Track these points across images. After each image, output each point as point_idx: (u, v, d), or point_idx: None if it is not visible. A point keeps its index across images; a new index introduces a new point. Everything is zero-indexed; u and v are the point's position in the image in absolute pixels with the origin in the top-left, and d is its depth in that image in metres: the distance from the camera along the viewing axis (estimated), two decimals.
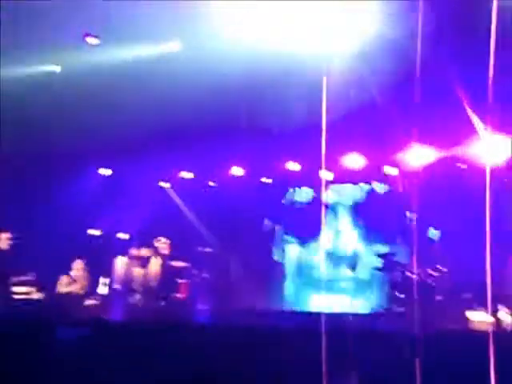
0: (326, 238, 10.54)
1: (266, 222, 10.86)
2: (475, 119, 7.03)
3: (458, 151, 8.60)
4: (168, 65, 7.82)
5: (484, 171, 7.44)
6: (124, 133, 8.52)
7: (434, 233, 9.15)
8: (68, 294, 8.55)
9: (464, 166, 8.95)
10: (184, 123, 8.39)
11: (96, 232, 10.71)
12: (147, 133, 8.70)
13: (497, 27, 3.56)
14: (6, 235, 8.30)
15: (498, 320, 6.93)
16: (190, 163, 10.88)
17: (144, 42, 7.71)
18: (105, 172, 11.10)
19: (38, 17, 6.73)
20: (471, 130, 7.31)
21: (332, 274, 10.31)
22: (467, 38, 6.64)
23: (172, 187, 11.35)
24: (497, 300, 7.01)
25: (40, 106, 8.03)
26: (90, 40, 7.55)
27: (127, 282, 9.17)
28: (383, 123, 8.15)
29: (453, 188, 8.85)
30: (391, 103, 7.72)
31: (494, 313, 6.94)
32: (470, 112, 6.92)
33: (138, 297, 9.04)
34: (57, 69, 8.20)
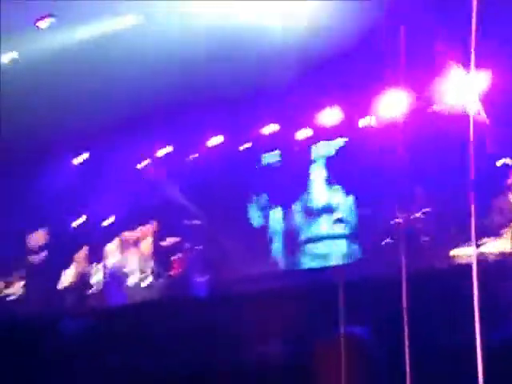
0: (309, 196, 10.61)
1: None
2: (450, 58, 7.00)
3: (434, 92, 8.61)
4: (129, 39, 7.66)
5: (461, 109, 7.51)
6: (94, 115, 8.39)
7: (415, 176, 9.26)
8: (69, 285, 8.60)
9: (441, 107, 8.97)
10: (154, 99, 8.27)
11: (82, 219, 10.66)
12: (118, 113, 8.57)
13: None
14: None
15: (485, 253, 7.10)
16: (166, 139, 10.79)
17: (103, 18, 7.52)
18: (82, 158, 10.97)
19: None
20: (445, 70, 7.29)
21: (318, 229, 10.42)
22: None
23: (152, 164, 11.28)
24: (483, 233, 7.16)
25: (4, 96, 7.83)
26: (45, 22, 7.32)
27: (122, 265, 9.21)
28: (356, 73, 8.10)
29: (431, 129, 8.90)
30: (363, 50, 7.66)
31: (481, 246, 7.10)
32: (443, 51, 6.88)
33: (134, 278, 9.10)
34: (12, 57, 7.98)
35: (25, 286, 8.37)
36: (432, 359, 3.48)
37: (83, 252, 9.06)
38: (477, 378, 2.21)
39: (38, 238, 8.34)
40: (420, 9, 6.93)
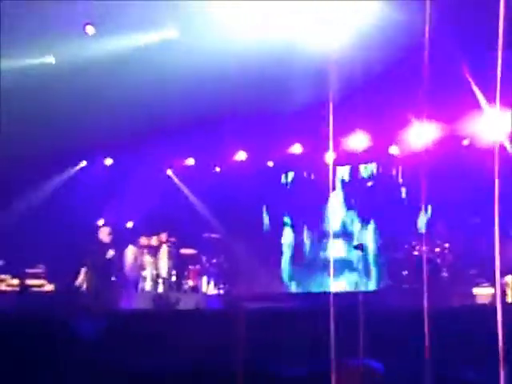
0: (330, 220, 10.56)
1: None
2: (479, 95, 6.97)
3: (462, 127, 8.57)
4: (166, 51, 7.80)
5: (485, 146, 7.44)
6: (125, 122, 8.52)
7: (435, 210, 9.15)
8: (82, 286, 8.65)
9: (467, 142, 8.94)
10: (186, 109, 8.38)
11: (103, 222, 10.77)
12: (149, 121, 8.70)
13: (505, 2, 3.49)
14: None
15: (505, 294, 6.95)
16: (193, 150, 10.89)
17: (141, 30, 7.68)
18: (109, 162, 11.12)
19: (32, 7, 6.71)
20: (475, 106, 7.27)
21: (336, 254, 10.35)
22: (472, 12, 6.58)
23: (176, 174, 11.39)
24: (502, 274, 7.02)
25: (39, 98, 8.02)
26: (89, 29, 7.51)
27: (138, 270, 9.25)
28: (387, 102, 8.12)
29: (455, 164, 8.85)
30: (394, 81, 7.67)
31: (501, 287, 6.96)
32: (473, 88, 6.87)
33: (149, 285, 9.13)
34: (52, 60, 8.18)
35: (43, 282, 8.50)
36: None
37: (100, 253, 9.11)
38: None
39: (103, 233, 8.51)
40: (455, 43, 6.93)
